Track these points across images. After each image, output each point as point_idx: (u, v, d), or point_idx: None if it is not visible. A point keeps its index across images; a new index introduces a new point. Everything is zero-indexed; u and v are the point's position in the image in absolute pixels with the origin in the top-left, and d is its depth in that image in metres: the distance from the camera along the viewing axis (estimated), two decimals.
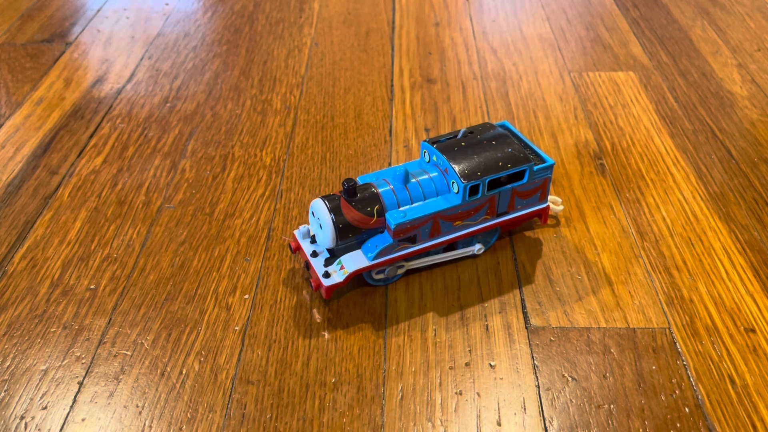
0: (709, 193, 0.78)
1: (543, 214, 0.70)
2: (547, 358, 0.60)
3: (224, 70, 1.01)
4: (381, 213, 0.62)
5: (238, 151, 0.84)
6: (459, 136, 0.66)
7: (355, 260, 0.62)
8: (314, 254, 0.64)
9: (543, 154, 0.67)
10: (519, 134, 0.69)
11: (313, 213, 0.63)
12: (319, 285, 0.62)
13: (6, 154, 0.84)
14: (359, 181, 0.66)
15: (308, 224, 0.68)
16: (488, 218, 0.66)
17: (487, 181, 0.63)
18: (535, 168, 0.65)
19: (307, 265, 0.65)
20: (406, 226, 0.62)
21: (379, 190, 0.63)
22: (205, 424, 0.55)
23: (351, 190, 0.61)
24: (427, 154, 0.66)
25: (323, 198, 0.62)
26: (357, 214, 0.61)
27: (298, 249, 0.66)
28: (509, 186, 0.65)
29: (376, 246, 0.62)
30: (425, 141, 0.66)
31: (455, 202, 0.63)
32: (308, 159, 0.83)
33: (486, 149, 0.64)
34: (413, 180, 0.64)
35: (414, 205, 0.63)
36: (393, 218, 0.61)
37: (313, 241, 0.65)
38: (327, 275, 0.62)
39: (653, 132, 0.88)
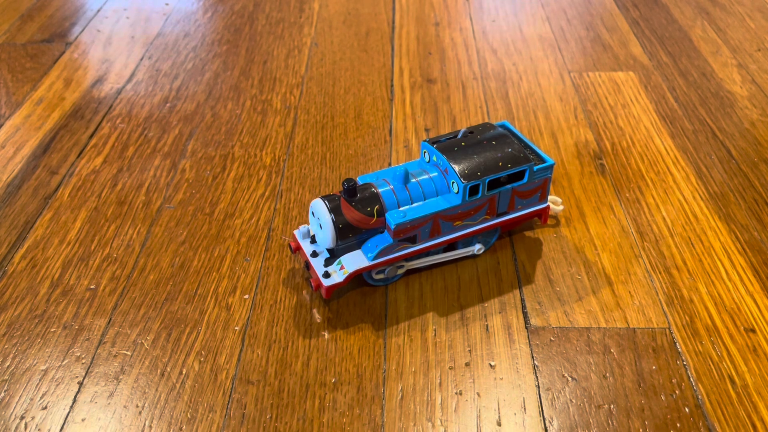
0: (709, 193, 0.78)
1: (543, 214, 0.70)
2: (547, 358, 0.60)
3: (224, 70, 1.01)
4: (381, 213, 0.62)
5: (238, 151, 0.84)
6: (459, 136, 0.66)
7: (355, 260, 0.62)
8: (314, 254, 0.64)
9: (543, 154, 0.67)
10: (519, 134, 0.69)
11: (313, 213, 0.63)
12: (319, 285, 0.62)
13: (6, 154, 0.84)
14: (359, 181, 0.66)
15: (308, 224, 0.68)
16: (488, 218, 0.66)
17: (487, 181, 0.63)
18: (535, 168, 0.65)
19: (307, 265, 0.64)
20: (406, 226, 0.62)
21: (379, 190, 0.63)
22: (205, 424, 0.55)
23: (351, 190, 0.61)
24: (427, 154, 0.66)
25: (323, 198, 0.62)
26: (357, 214, 0.61)
27: (298, 249, 0.66)
28: (509, 186, 0.65)
29: (376, 246, 0.62)
30: (425, 141, 0.66)
31: (455, 202, 0.63)
32: (308, 159, 0.83)
33: (486, 149, 0.64)
34: (413, 180, 0.64)
35: (414, 205, 0.63)
36: (393, 218, 0.61)
37: (313, 241, 0.65)
38: (327, 275, 0.62)
39: (653, 132, 0.88)
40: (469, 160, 0.63)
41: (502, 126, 0.70)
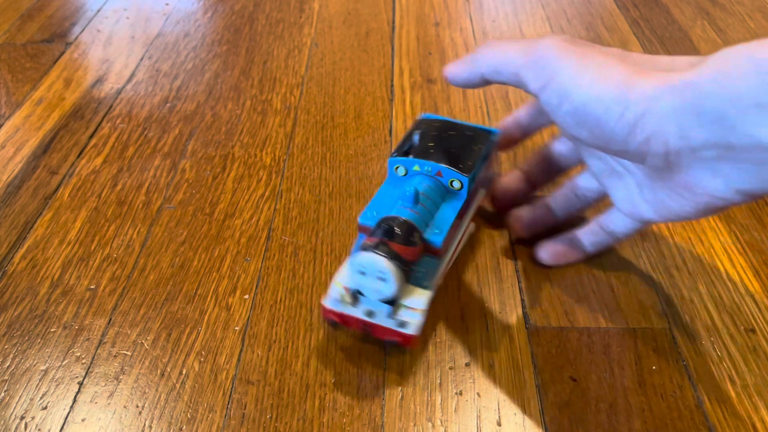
0: None
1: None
2: (547, 358, 0.60)
3: (224, 70, 1.01)
4: (423, 238, 0.59)
5: (238, 151, 0.84)
6: (416, 140, 0.66)
7: (413, 296, 0.58)
8: (370, 313, 0.58)
9: (479, 126, 0.69)
10: (444, 118, 0.70)
11: (362, 272, 0.56)
12: (407, 339, 0.57)
13: (6, 154, 0.84)
14: (375, 212, 0.62)
15: (341, 275, 0.61)
16: (471, 203, 0.66)
17: (479, 166, 0.63)
18: (492, 139, 0.67)
19: (367, 330, 0.58)
20: (448, 239, 0.60)
21: (407, 218, 0.59)
22: (205, 424, 0.55)
23: (389, 230, 0.57)
24: (401, 168, 0.64)
25: (371, 250, 0.56)
26: (408, 250, 0.57)
27: (346, 321, 0.58)
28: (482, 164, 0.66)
29: (427, 274, 0.59)
30: (393, 157, 0.64)
31: (464, 197, 0.63)
32: (308, 159, 0.83)
33: (451, 139, 0.65)
34: (422, 196, 0.62)
35: (436, 219, 0.61)
36: (436, 239, 0.58)
37: (354, 301, 0.59)
38: (403, 324, 0.57)
39: None
40: (451, 155, 0.63)
41: (428, 118, 0.70)
